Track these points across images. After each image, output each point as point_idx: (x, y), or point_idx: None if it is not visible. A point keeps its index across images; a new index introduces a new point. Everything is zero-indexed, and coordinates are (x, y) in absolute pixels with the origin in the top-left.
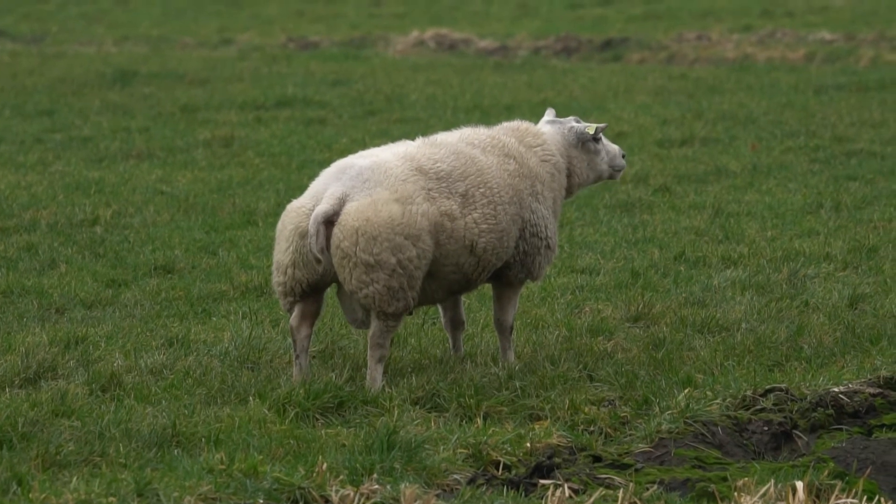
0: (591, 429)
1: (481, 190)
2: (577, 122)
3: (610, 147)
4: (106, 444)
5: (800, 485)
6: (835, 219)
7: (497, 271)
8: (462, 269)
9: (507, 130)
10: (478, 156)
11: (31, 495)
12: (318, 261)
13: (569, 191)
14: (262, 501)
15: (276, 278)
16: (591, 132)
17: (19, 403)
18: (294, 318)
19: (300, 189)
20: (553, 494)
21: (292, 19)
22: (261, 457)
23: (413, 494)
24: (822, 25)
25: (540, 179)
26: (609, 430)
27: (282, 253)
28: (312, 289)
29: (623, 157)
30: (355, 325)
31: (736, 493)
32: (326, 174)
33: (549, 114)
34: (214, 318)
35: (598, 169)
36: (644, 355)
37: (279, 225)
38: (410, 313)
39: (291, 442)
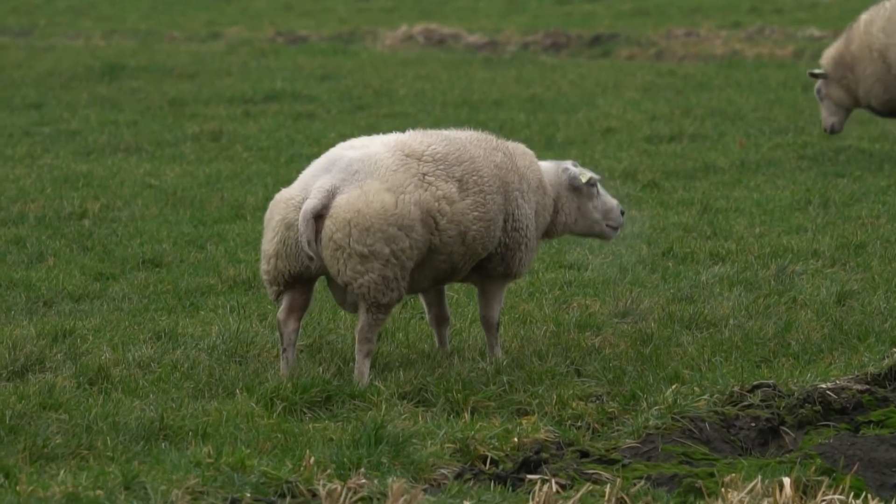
0: (579, 424)
1: (474, 177)
2: (575, 166)
3: (607, 199)
4: (93, 437)
5: (787, 481)
6: (823, 215)
7: (478, 264)
8: (451, 257)
9: (503, 141)
10: (467, 145)
11: (18, 488)
12: (311, 257)
13: (552, 228)
14: (249, 495)
15: (262, 266)
16: (584, 180)
17: (7, 396)
18: (281, 311)
19: (289, 183)
20: (540, 489)
21: (280, 13)
22: (248, 450)
23: (400, 489)
24: (810, 22)
25: (527, 180)
26: (596, 426)
27: (268, 242)
28: (296, 279)
29: (622, 213)
30: (347, 307)
31: (723, 489)
32: (316, 165)
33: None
34: (202, 312)
35: (588, 217)
36: (632, 351)
37: (267, 214)
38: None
39: (279, 436)
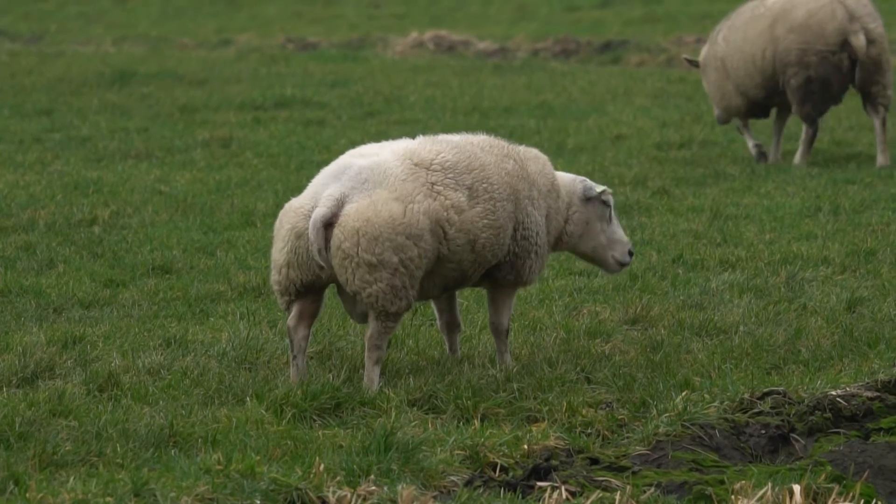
0: (589, 431)
1: (484, 185)
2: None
3: (619, 231)
4: (103, 444)
5: (797, 488)
6: (833, 222)
7: (487, 272)
8: (461, 265)
9: (514, 146)
10: (478, 152)
11: (28, 495)
12: (321, 266)
13: (561, 236)
14: (259, 502)
15: (273, 276)
16: (599, 190)
17: (16, 403)
18: (292, 318)
19: (299, 190)
20: (550, 497)
21: (291, 20)
22: (258, 457)
23: (410, 496)
24: None
25: (537, 187)
26: (606, 433)
27: (278, 252)
28: (308, 289)
29: (630, 254)
30: (357, 318)
31: (733, 497)
32: (325, 173)
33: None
34: (212, 319)
35: (594, 237)
36: (642, 358)
37: (277, 223)
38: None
39: (289, 443)
